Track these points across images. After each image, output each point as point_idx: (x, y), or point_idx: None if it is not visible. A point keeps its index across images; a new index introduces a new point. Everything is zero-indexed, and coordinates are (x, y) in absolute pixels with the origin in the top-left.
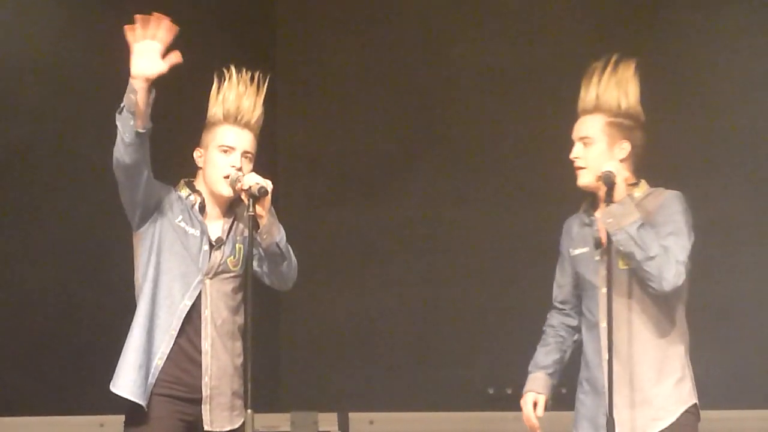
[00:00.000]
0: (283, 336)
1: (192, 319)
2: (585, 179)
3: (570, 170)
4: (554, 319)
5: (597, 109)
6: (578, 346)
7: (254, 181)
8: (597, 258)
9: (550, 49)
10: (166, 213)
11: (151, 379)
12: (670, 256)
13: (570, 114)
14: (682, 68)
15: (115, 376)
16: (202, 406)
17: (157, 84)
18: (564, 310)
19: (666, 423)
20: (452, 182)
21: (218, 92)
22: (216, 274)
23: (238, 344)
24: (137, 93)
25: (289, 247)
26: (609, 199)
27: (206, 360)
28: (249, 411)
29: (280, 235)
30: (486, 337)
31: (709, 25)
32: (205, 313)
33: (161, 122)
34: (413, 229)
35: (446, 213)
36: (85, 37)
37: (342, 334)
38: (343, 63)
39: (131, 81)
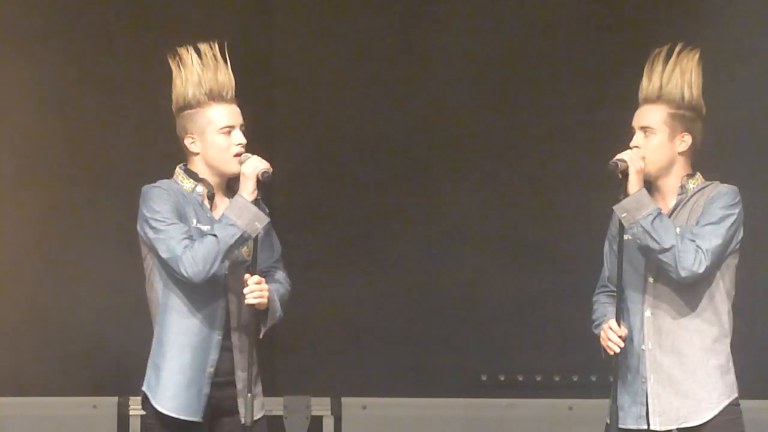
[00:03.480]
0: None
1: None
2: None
3: (566, 158)
4: (601, 296)
5: (660, 99)
6: None
7: (258, 165)
8: None
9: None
10: (184, 220)
11: (206, 390)
12: (690, 244)
13: (569, 103)
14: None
15: (157, 396)
16: (238, 400)
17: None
18: (612, 291)
19: (711, 414)
20: (447, 168)
21: (185, 74)
22: (234, 267)
23: (252, 329)
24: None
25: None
26: (623, 190)
27: (236, 354)
28: (249, 395)
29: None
30: (480, 324)
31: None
32: (231, 307)
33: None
34: (406, 214)
35: (440, 199)
36: None
37: (336, 319)
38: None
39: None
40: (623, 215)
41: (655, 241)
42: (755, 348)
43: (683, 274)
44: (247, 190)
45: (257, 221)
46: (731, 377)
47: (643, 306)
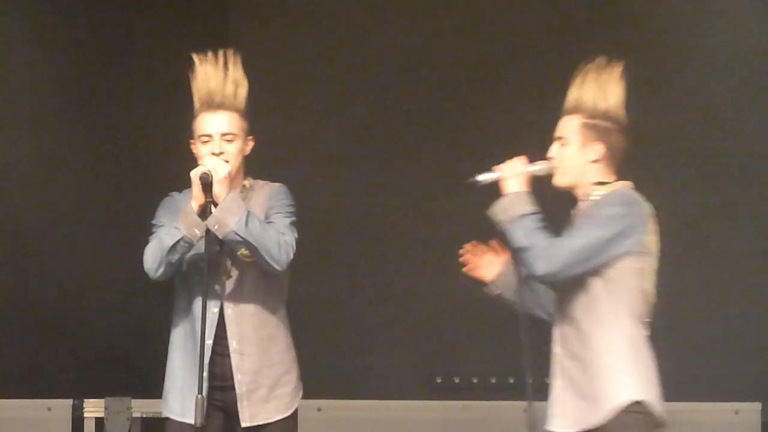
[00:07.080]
0: None
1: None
2: (557, 179)
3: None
4: None
5: (575, 109)
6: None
7: (200, 168)
8: None
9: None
10: None
11: (204, 393)
12: (557, 240)
13: (513, 104)
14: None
15: (163, 398)
16: (239, 403)
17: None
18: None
19: (605, 418)
20: (400, 171)
21: (196, 82)
22: (232, 270)
23: (266, 332)
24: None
25: (266, 227)
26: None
27: (236, 359)
28: (199, 396)
29: (236, 223)
30: (434, 326)
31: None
32: (228, 312)
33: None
34: (361, 216)
35: (394, 200)
36: None
37: (289, 320)
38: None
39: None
40: (498, 216)
41: (513, 240)
42: (685, 351)
43: (538, 272)
44: (193, 193)
45: (196, 228)
46: (631, 380)
47: (555, 311)
